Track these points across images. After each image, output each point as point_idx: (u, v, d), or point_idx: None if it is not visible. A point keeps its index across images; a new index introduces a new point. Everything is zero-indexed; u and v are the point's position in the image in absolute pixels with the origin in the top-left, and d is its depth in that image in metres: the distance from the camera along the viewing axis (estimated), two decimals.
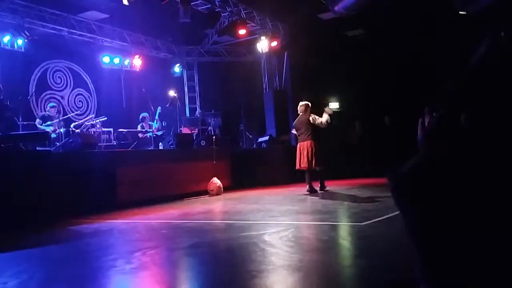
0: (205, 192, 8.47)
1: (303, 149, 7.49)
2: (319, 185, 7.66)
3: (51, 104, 9.38)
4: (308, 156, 7.39)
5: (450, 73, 1.59)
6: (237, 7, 11.01)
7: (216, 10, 10.49)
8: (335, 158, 10.74)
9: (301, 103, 7.86)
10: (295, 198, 7.17)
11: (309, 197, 7.18)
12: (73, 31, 10.33)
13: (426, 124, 9.08)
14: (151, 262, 3.45)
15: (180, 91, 12.70)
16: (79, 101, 11.41)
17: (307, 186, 7.56)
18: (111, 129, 9.58)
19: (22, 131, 7.44)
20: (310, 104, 7.81)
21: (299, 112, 7.86)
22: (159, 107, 10.67)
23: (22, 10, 9.23)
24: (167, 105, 11.08)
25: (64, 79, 11.12)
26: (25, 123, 8.12)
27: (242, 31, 10.69)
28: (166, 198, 7.83)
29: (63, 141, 7.93)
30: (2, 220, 5.02)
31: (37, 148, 7.31)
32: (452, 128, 1.51)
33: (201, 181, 8.59)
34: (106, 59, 11.75)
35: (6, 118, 7.83)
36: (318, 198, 6.97)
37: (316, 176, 7.65)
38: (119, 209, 6.86)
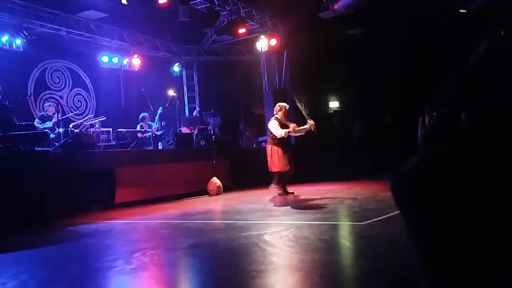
0: (205, 192, 8.45)
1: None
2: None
3: (48, 103, 9.35)
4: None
5: (450, 72, 1.58)
6: (237, 6, 10.98)
7: (215, 9, 10.46)
8: (335, 157, 10.75)
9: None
10: (295, 197, 7.15)
11: (308, 197, 7.17)
12: (72, 30, 10.30)
13: (426, 123, 9.07)
14: (151, 263, 3.44)
15: (179, 91, 12.67)
16: (78, 101, 11.39)
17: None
18: (110, 129, 9.57)
19: (20, 131, 7.41)
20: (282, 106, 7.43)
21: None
22: (160, 108, 10.61)
23: (20, 9, 9.20)
24: (166, 105, 11.07)
25: (62, 79, 11.09)
26: (24, 123, 8.09)
27: (241, 30, 10.67)
28: (165, 198, 7.83)
29: (62, 141, 7.91)
30: (2, 220, 5.01)
31: (36, 148, 7.30)
32: (453, 127, 1.50)
33: (201, 181, 8.57)
34: (105, 59, 11.72)
35: (5, 118, 7.81)
36: (317, 198, 6.96)
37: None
38: (119, 209, 6.86)
